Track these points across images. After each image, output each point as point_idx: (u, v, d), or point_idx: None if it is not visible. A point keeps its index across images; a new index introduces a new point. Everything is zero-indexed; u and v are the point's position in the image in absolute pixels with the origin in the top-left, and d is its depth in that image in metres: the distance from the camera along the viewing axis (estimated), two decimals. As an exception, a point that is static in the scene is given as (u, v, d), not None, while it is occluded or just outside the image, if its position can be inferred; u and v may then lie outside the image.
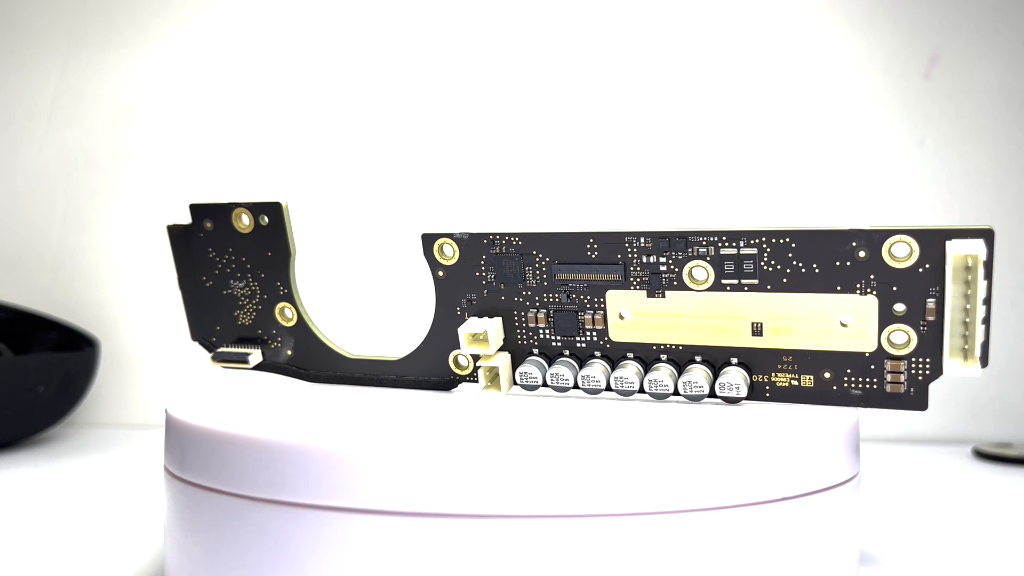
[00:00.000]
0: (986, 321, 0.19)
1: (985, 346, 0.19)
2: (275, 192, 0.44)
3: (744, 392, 0.21)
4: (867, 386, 0.20)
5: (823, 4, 0.44)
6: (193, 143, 0.47)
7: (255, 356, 0.26)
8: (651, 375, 0.21)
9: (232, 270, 0.25)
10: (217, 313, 0.26)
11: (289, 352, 0.26)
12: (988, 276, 0.19)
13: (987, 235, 0.19)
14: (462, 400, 0.22)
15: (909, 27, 0.43)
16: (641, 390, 0.22)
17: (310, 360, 0.25)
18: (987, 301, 0.19)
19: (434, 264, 0.23)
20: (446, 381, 0.24)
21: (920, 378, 0.20)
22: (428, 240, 0.23)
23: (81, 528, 0.27)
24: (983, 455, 0.37)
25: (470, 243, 0.23)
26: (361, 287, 0.45)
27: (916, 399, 0.20)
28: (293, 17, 0.46)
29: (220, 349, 0.26)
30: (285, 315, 0.25)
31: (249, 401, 0.21)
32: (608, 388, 0.22)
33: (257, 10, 0.46)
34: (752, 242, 0.20)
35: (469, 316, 0.23)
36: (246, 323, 0.26)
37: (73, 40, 0.47)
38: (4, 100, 0.48)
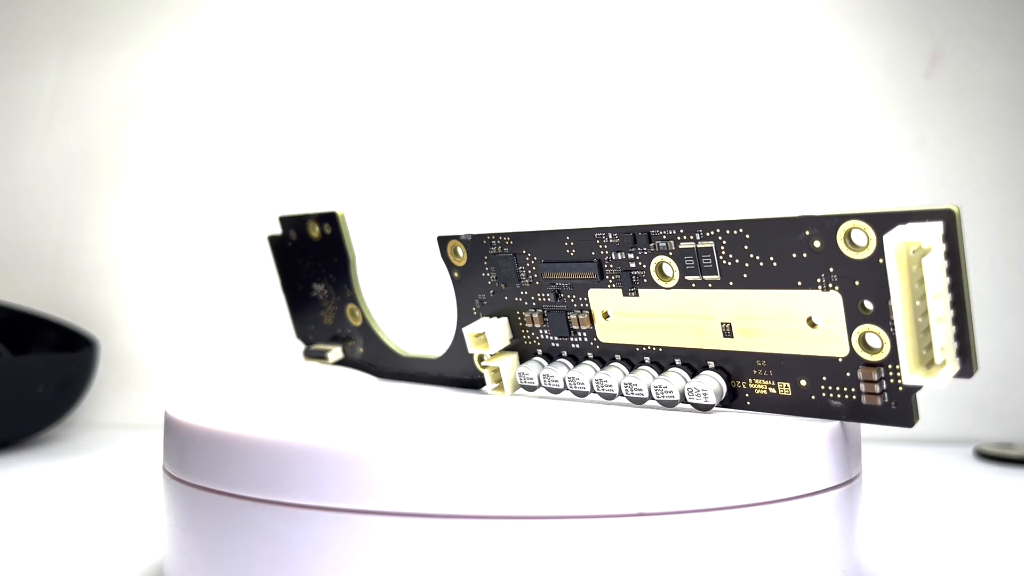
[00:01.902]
0: (958, 320, 0.16)
1: (963, 351, 0.16)
2: (276, 192, 0.46)
3: (712, 400, 0.19)
4: (845, 396, 0.18)
5: (824, 3, 0.43)
6: (193, 142, 0.48)
7: (335, 353, 0.28)
8: (628, 379, 0.20)
9: (312, 275, 0.28)
10: (308, 314, 0.28)
11: (361, 350, 0.27)
12: (954, 268, 0.15)
13: (946, 216, 0.15)
14: (461, 401, 0.23)
15: (909, 27, 0.42)
16: (621, 393, 0.20)
17: (376, 357, 0.27)
18: (954, 297, 0.15)
19: (450, 266, 0.24)
20: (476, 380, 0.24)
21: (901, 388, 0.17)
22: (442, 242, 0.24)
23: (81, 528, 0.26)
24: (985, 455, 0.37)
25: (474, 244, 0.23)
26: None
27: (899, 414, 0.17)
28: (295, 18, 0.46)
29: (311, 347, 0.29)
30: (355, 315, 0.27)
31: (247, 402, 0.22)
32: (593, 391, 0.21)
33: (257, 10, 0.47)
34: (708, 234, 0.18)
35: (482, 316, 0.23)
36: (329, 323, 0.28)
37: (72, 40, 0.48)
38: (4, 100, 0.48)
